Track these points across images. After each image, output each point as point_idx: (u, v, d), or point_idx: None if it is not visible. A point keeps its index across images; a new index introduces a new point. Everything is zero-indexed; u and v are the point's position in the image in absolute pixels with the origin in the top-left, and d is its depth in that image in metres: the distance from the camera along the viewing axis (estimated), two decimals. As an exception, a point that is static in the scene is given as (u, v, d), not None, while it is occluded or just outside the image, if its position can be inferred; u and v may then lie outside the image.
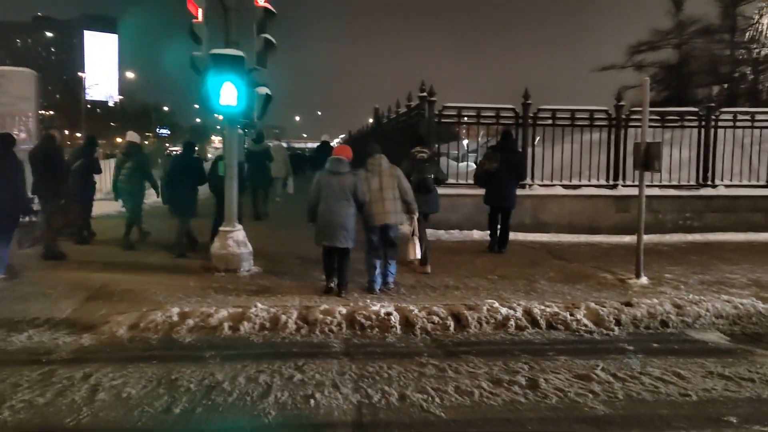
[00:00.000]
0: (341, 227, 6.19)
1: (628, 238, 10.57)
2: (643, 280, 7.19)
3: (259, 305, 5.70)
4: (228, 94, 6.69)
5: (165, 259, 8.10)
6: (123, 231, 9.11)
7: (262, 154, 12.76)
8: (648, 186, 11.24)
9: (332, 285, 6.47)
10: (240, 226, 7.27)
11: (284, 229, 10.90)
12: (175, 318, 5.40)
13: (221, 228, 7.20)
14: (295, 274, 7.33)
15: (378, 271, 6.57)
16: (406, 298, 6.30)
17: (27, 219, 7.28)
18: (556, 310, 5.77)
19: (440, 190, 10.81)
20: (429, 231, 10.67)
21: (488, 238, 9.94)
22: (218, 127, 8.14)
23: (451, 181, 11.21)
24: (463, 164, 14.34)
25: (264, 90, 7.02)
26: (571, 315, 5.67)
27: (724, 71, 30.46)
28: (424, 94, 10.76)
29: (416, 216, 6.91)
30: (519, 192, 10.20)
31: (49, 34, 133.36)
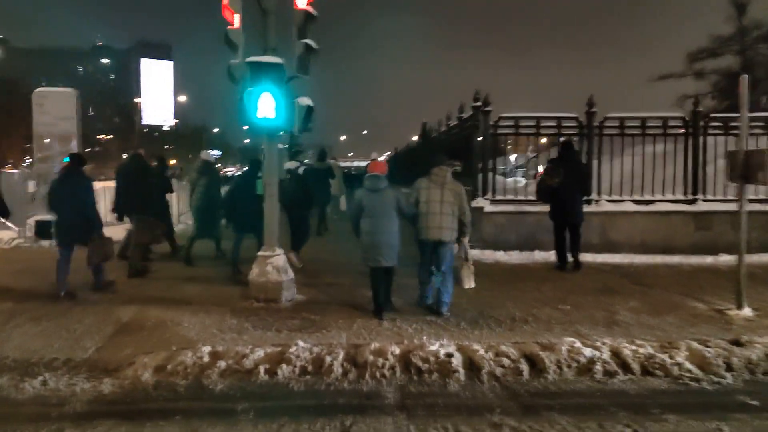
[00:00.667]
0: (385, 245, 6.00)
1: (710, 259, 9.46)
2: (746, 311, 6.14)
3: (301, 343, 4.98)
4: (266, 105, 6.10)
5: (203, 285, 7.54)
6: (186, 246, 9.25)
7: (326, 171, 12.72)
8: (728, 201, 10.14)
9: (381, 306, 6.16)
10: (281, 251, 6.62)
11: (336, 245, 10.29)
12: (206, 359, 4.74)
13: (260, 253, 6.57)
14: (343, 301, 6.63)
15: (430, 286, 6.37)
16: (468, 334, 5.47)
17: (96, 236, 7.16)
18: (651, 350, 4.83)
19: (495, 208, 10.09)
20: (487, 252, 9.89)
21: (553, 258, 9.06)
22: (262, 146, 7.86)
23: (509, 197, 10.36)
24: (510, 179, 13.47)
25: (305, 101, 6.39)
26: (670, 357, 4.71)
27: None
28: (479, 103, 9.97)
29: (467, 240, 6.62)
30: (585, 208, 9.26)
31: (106, 61, 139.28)
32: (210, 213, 9.12)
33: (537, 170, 15.19)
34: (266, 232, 6.58)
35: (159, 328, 5.71)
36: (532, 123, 10.10)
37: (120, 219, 9.06)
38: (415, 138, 20.77)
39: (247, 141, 67.01)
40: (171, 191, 10.25)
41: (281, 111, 6.13)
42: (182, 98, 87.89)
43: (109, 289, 7.22)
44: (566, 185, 8.48)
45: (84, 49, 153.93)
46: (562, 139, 9.50)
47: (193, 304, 6.59)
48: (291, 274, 6.62)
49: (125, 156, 9.77)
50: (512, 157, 18.44)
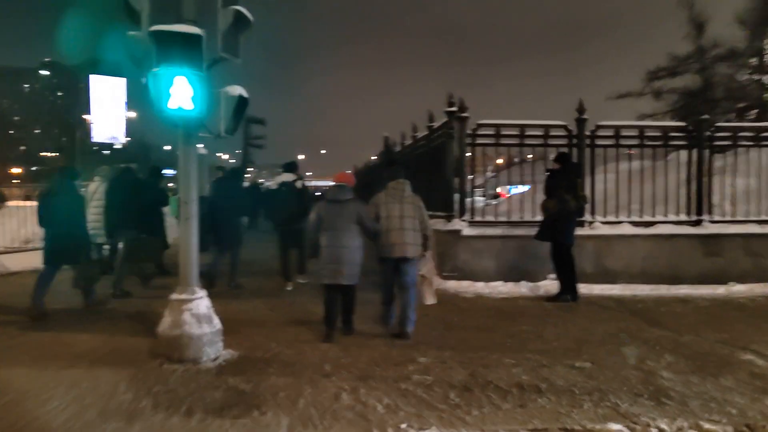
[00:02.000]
0: (346, 262, 5.47)
1: (722, 290, 8.19)
2: (817, 366, 4.72)
3: (217, 443, 3.26)
4: (180, 92, 4.41)
5: (123, 322, 5.69)
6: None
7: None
8: (738, 222, 8.91)
9: (333, 333, 5.57)
10: (202, 293, 4.86)
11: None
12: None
13: (174, 296, 4.79)
14: (291, 353, 4.94)
15: (393, 306, 5.89)
16: (462, 414, 3.82)
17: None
18: (733, 442, 3.31)
19: (474, 231, 8.58)
20: (465, 284, 8.34)
21: (543, 291, 7.82)
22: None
23: (488, 218, 8.88)
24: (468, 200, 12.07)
25: (236, 90, 4.74)
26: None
27: (754, 96, 28.41)
28: (453, 109, 8.49)
29: (429, 254, 6.18)
30: (578, 232, 7.87)
31: (46, 73, 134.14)
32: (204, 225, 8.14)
33: (495, 190, 13.85)
34: (182, 268, 4.82)
35: (9, 412, 3.87)
36: (515, 131, 8.67)
37: (110, 237, 8.28)
38: (373, 157, 19.33)
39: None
40: (166, 204, 9.46)
41: (200, 100, 4.45)
42: (131, 114, 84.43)
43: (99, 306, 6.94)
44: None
45: (31, 67, 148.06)
46: (560, 150, 8.11)
47: (83, 363, 4.77)
48: (216, 322, 4.86)
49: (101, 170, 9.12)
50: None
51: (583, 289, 7.95)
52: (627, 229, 8.60)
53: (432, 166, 9.58)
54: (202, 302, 4.77)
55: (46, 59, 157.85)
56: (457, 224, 8.42)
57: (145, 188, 8.40)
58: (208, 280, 7.31)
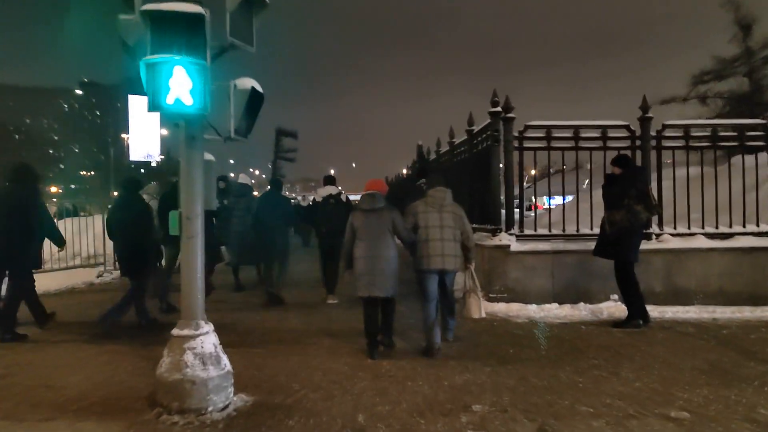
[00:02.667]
0: (382, 273, 5.22)
1: (819, 312, 6.99)
2: None
3: None
4: (179, 84, 3.62)
5: (107, 372, 4.91)
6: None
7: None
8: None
9: (374, 348, 5.32)
10: (208, 327, 4.02)
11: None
12: None
13: (175, 331, 3.96)
14: (313, 405, 4.06)
15: (437, 330, 5.43)
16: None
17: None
18: None
19: (523, 246, 7.61)
20: (515, 306, 7.36)
21: (606, 314, 6.89)
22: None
23: (541, 231, 7.89)
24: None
25: (247, 83, 3.93)
26: None
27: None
28: (498, 109, 7.58)
29: (473, 267, 5.86)
30: (644, 245, 6.84)
31: (92, 99, 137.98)
32: (251, 238, 8.44)
33: (532, 201, 12.87)
34: (185, 297, 3.99)
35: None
36: (569, 133, 7.69)
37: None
38: (405, 170, 18.42)
39: (231, 175, 64.49)
40: (217, 216, 9.03)
41: (201, 94, 3.65)
42: (164, 132, 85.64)
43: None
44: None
45: (70, 87, 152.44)
46: (621, 152, 7.08)
47: (67, 414, 3.97)
48: (225, 362, 4.01)
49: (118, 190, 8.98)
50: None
51: (654, 312, 6.92)
52: (701, 242, 7.51)
53: (473, 175, 8.66)
54: (208, 339, 3.93)
55: (84, 79, 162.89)
56: (504, 239, 7.47)
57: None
58: (269, 295, 7.94)
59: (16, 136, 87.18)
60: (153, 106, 3.65)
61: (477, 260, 7.78)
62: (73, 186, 77.54)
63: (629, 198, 6.28)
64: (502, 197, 7.70)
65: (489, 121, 7.72)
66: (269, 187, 8.90)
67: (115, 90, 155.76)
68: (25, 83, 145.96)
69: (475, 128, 8.71)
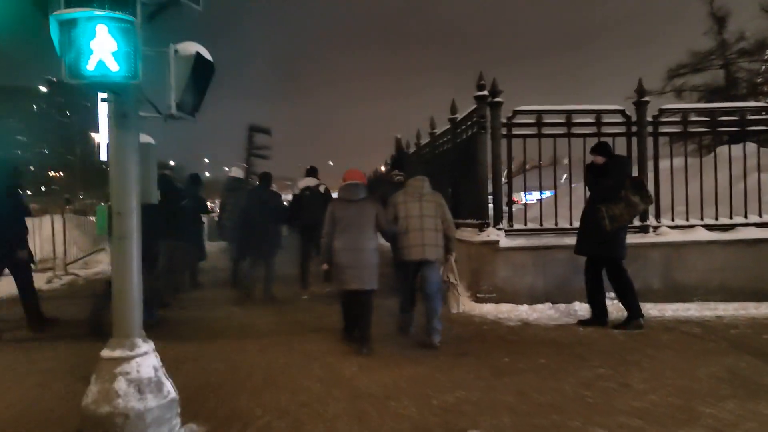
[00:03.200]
0: (362, 265, 5.11)
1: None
2: None
3: None
4: (103, 46, 2.91)
5: (37, 390, 4.17)
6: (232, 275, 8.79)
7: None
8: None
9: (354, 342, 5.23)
10: (147, 345, 3.29)
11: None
12: None
13: (105, 352, 3.22)
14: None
15: (412, 314, 5.56)
16: None
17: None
18: None
19: (513, 242, 7.01)
20: (505, 307, 6.77)
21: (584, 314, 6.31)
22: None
23: (531, 225, 7.30)
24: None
25: (191, 47, 3.22)
26: None
27: (783, 91, 26.68)
28: (484, 93, 6.97)
29: (453, 257, 5.66)
30: (641, 238, 6.32)
31: (60, 99, 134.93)
32: (245, 231, 8.01)
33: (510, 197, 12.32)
34: (117, 311, 3.26)
35: None
36: (561, 119, 7.11)
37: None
38: (381, 168, 17.76)
39: (207, 174, 63.07)
40: (206, 212, 9.41)
41: (128, 58, 2.94)
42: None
43: None
44: (598, 202, 5.78)
45: (37, 86, 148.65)
46: (601, 140, 6.51)
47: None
48: (168, 389, 3.27)
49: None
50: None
51: (653, 310, 6.42)
52: (701, 235, 7.00)
53: (458, 166, 8.05)
54: (146, 361, 3.21)
55: (51, 77, 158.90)
56: (493, 234, 6.86)
57: (182, 196, 7.58)
58: (245, 291, 7.65)
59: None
60: (70, 74, 2.94)
61: (463, 258, 7.22)
62: (43, 188, 75.10)
63: (625, 189, 5.72)
64: (489, 190, 7.09)
65: (474, 106, 7.10)
66: (258, 182, 8.58)
67: (84, 89, 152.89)
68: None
69: (459, 116, 8.10)
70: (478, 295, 6.81)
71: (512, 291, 6.77)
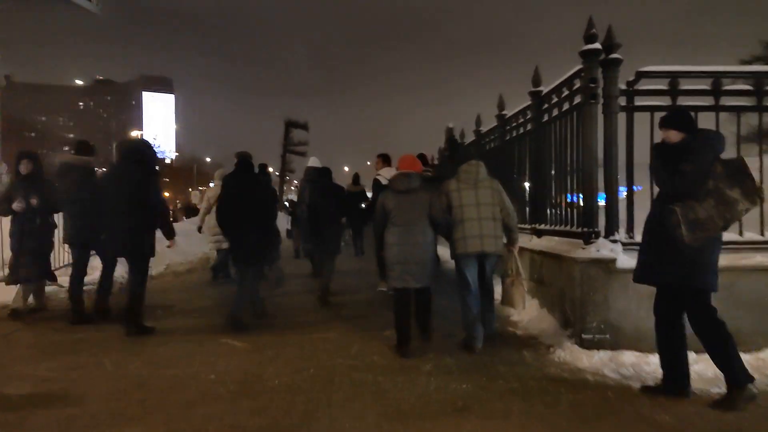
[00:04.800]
0: (416, 261, 4.75)
1: None
2: None
3: None
4: None
5: None
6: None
7: (359, 195, 11.53)
8: None
9: (407, 346, 4.75)
10: None
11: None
12: None
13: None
14: None
15: (478, 324, 4.86)
16: None
17: None
18: None
19: (630, 261, 4.87)
20: (627, 357, 4.65)
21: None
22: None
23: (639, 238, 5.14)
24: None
25: None
26: None
27: None
28: (596, 46, 4.87)
29: (516, 249, 5.12)
30: (743, 260, 4.14)
31: (107, 97, 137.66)
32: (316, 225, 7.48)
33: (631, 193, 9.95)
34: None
35: None
36: (705, 85, 4.96)
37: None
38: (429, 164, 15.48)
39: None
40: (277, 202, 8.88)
41: None
42: (174, 128, 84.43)
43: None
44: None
45: (86, 84, 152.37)
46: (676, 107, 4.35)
47: None
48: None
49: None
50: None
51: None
52: None
53: (542, 154, 6.00)
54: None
55: (99, 76, 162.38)
56: (605, 249, 4.77)
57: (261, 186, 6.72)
58: (323, 296, 7.03)
59: (32, 134, 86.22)
60: None
61: (556, 281, 5.21)
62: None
63: (716, 178, 3.52)
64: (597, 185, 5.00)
65: (578, 67, 5.03)
66: (320, 176, 7.85)
67: (130, 87, 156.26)
68: (40, 81, 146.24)
69: (544, 88, 6.05)
70: (583, 337, 4.74)
71: (634, 332, 4.67)
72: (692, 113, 4.73)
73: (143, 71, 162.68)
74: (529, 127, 6.66)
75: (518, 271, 5.16)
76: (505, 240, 5.14)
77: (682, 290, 3.76)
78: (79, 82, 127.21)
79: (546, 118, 6.07)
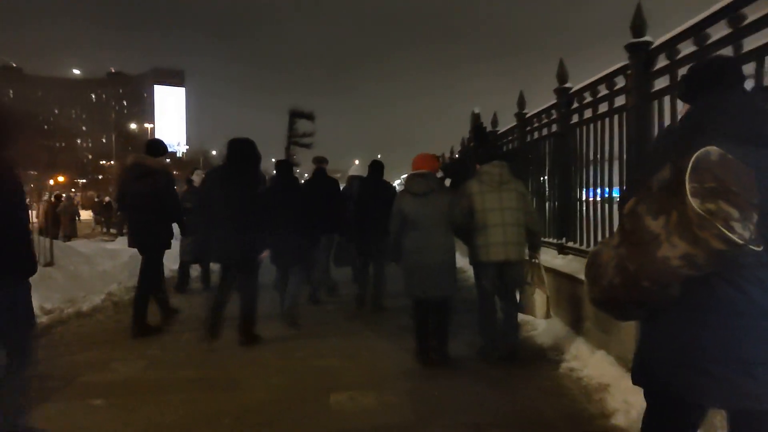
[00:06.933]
0: (437, 269, 4.48)
1: None
2: None
3: None
4: None
5: None
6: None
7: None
8: None
9: (428, 354, 4.59)
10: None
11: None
12: None
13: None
14: None
15: (498, 331, 4.71)
16: None
17: None
18: None
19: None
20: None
21: None
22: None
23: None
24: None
25: None
26: None
27: None
28: (647, 38, 4.03)
29: (540, 256, 4.81)
30: None
31: (120, 90, 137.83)
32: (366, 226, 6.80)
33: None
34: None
35: None
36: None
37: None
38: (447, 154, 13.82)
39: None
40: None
41: None
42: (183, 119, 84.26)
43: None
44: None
45: (97, 77, 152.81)
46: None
47: None
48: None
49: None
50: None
51: None
52: None
53: (574, 157, 5.21)
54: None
55: (111, 69, 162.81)
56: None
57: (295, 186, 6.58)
58: (359, 302, 6.77)
59: (45, 126, 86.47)
60: None
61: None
62: (99, 176, 75.87)
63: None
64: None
65: (622, 63, 4.21)
66: (368, 171, 7.11)
67: (142, 80, 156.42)
68: (51, 73, 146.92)
69: (572, 85, 5.23)
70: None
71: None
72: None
73: (155, 64, 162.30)
74: (554, 128, 5.85)
75: (541, 278, 4.84)
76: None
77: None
78: (76, 71, 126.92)
79: (576, 119, 5.27)
